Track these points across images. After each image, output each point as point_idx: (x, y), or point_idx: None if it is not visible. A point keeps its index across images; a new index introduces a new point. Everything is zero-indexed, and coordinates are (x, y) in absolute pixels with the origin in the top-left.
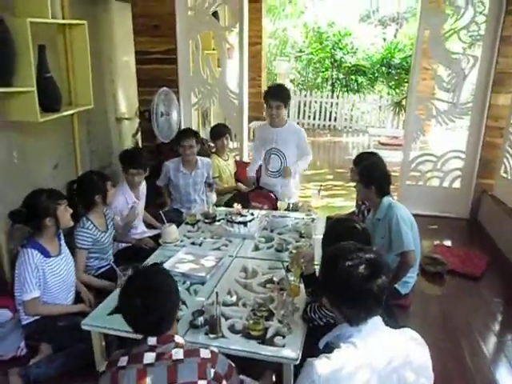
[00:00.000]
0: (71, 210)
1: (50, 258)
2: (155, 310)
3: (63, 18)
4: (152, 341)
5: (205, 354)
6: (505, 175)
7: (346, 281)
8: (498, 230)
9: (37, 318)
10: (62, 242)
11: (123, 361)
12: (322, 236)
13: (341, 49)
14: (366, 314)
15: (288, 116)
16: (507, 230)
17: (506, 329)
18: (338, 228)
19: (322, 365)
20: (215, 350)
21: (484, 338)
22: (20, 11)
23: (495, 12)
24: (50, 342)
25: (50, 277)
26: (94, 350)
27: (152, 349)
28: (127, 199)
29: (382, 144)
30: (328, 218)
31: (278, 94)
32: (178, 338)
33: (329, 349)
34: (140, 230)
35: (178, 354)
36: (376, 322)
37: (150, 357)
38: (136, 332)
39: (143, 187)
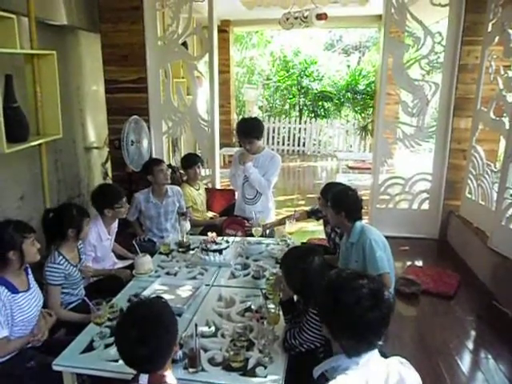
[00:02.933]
0: (39, 245)
1: (18, 293)
2: (150, 341)
3: (32, 48)
4: (143, 380)
5: None
6: (469, 196)
7: (351, 314)
8: (466, 249)
9: (2, 359)
10: (30, 276)
11: None
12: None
13: (307, 76)
14: (367, 347)
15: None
16: (474, 248)
17: (481, 346)
18: (299, 248)
19: None
20: None
21: (461, 357)
22: None
23: (452, 42)
24: None
25: (17, 314)
26: None
27: None
28: (101, 235)
29: (351, 168)
30: (302, 244)
31: (249, 132)
32: (171, 379)
33: (323, 379)
34: (111, 263)
35: None
36: (373, 354)
37: None
38: (128, 366)
39: (115, 223)
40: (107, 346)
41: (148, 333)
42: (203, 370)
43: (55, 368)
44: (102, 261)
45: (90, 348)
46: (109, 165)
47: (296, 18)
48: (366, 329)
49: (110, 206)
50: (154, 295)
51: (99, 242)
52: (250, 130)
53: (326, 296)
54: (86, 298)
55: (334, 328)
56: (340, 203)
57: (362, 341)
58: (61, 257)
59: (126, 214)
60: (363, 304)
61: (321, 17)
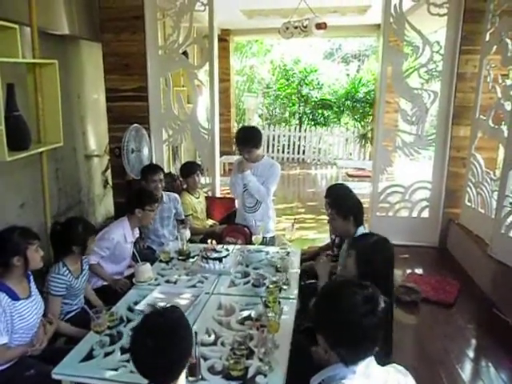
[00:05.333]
0: (42, 253)
1: (19, 300)
2: (166, 352)
3: (34, 58)
4: None
5: None
6: (469, 204)
7: (346, 321)
8: (466, 257)
9: (2, 367)
10: (32, 283)
11: None
12: (297, 271)
13: (307, 84)
14: (363, 354)
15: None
16: (474, 256)
17: (481, 355)
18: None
19: None
20: None
21: (461, 365)
22: None
23: (450, 51)
24: None
25: (17, 321)
26: None
27: None
28: (126, 236)
29: (350, 176)
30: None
31: (247, 142)
32: None
33: None
34: (124, 268)
35: None
36: (370, 361)
37: None
38: (143, 376)
39: (137, 230)
40: (107, 354)
41: (164, 344)
42: (203, 378)
43: (55, 377)
44: (119, 263)
45: (89, 357)
46: (109, 173)
47: (296, 28)
48: (361, 335)
49: (143, 206)
50: (169, 304)
51: (123, 241)
52: (248, 139)
53: (321, 304)
54: (85, 307)
55: (329, 337)
56: (344, 208)
57: (358, 348)
58: (65, 268)
59: (151, 222)
60: (358, 311)
61: (320, 26)
